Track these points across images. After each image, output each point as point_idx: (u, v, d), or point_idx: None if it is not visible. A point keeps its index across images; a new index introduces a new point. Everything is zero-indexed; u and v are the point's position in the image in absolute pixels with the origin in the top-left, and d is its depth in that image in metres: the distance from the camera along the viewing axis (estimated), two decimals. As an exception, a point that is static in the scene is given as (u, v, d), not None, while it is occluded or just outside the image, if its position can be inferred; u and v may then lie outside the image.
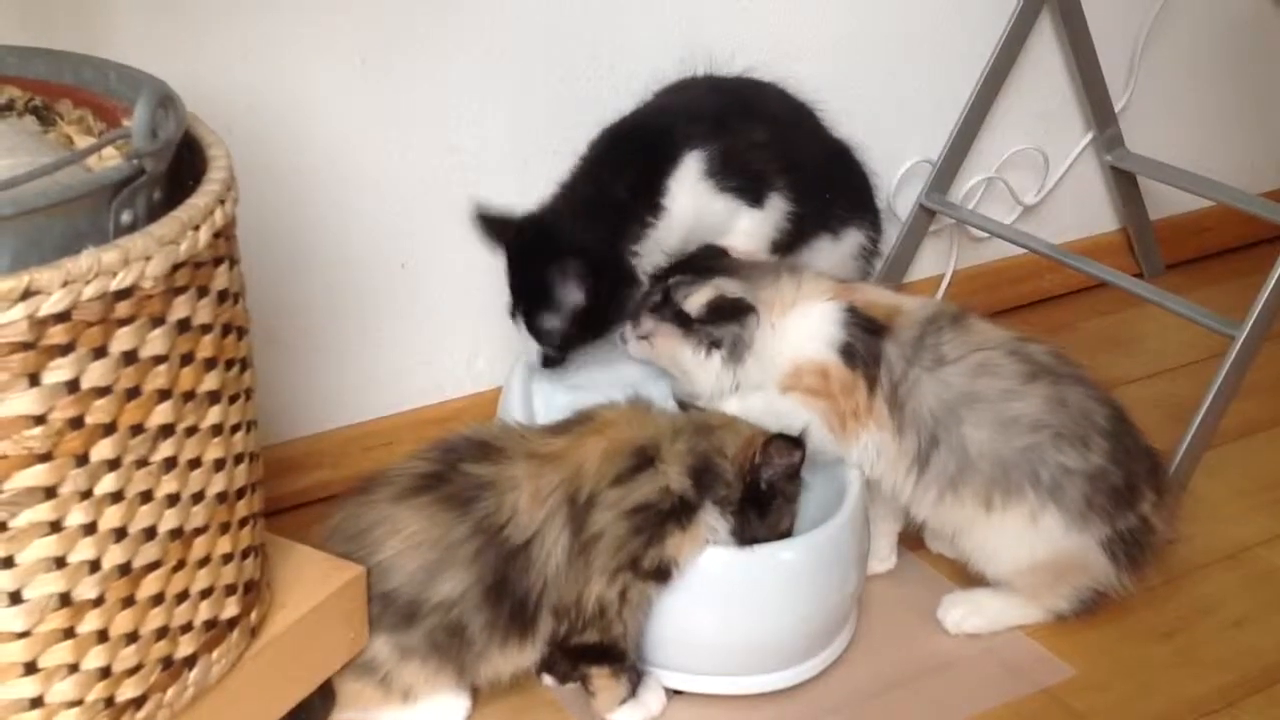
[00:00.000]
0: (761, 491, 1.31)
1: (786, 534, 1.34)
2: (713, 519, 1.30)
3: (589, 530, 1.25)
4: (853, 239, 1.64)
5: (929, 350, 1.37)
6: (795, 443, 1.30)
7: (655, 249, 1.48)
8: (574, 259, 1.43)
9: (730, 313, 1.40)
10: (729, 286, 1.42)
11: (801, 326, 1.40)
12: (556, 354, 1.50)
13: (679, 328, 1.43)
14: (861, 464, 1.40)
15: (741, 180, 1.50)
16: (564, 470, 1.26)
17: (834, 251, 1.61)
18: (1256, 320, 1.58)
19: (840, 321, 1.39)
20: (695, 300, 1.42)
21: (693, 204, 1.48)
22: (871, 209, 1.69)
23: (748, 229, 1.53)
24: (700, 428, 1.33)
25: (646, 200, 1.47)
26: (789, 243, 1.56)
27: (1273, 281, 1.58)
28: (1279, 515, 1.62)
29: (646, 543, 1.26)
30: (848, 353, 1.37)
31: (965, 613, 1.43)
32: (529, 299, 1.48)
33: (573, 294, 1.45)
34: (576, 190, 1.50)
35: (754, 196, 1.52)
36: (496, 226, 1.50)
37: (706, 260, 1.48)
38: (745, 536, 1.31)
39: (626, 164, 1.48)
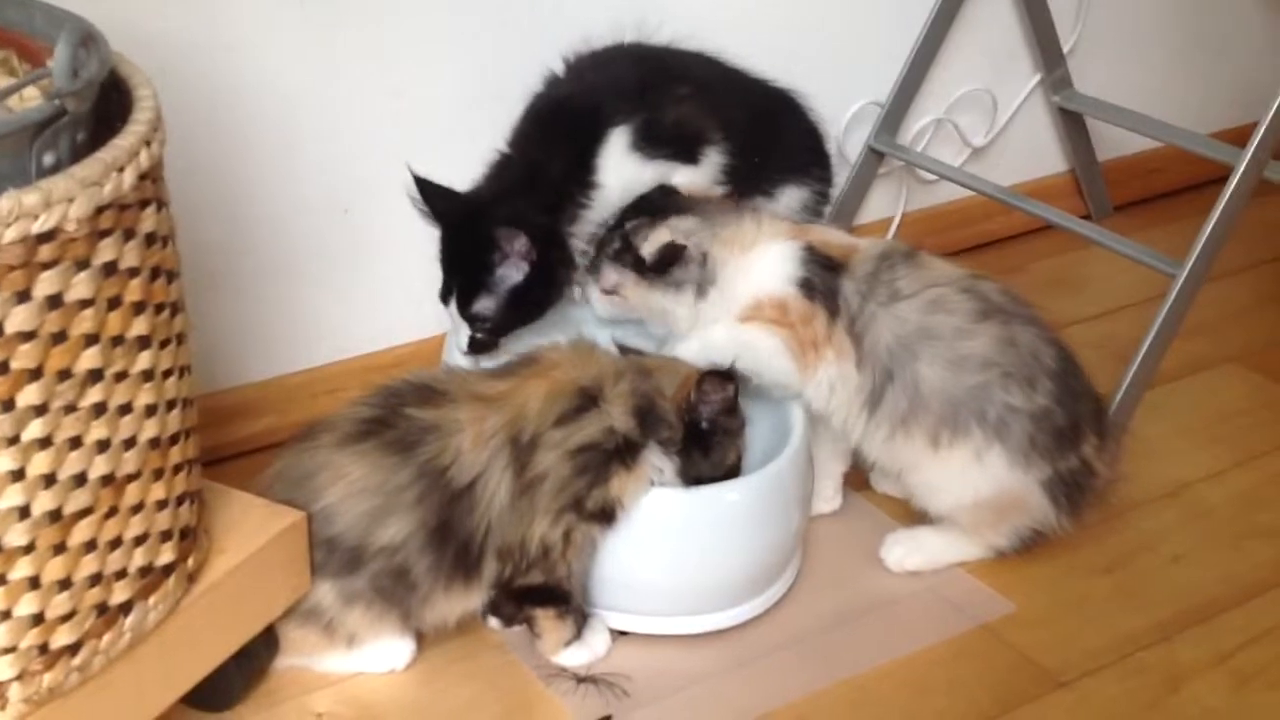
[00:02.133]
0: (703, 430, 1.31)
1: (734, 469, 1.35)
2: (657, 459, 1.30)
3: (532, 471, 1.25)
4: (794, 195, 1.63)
5: (884, 285, 1.38)
6: (727, 376, 1.30)
7: (591, 227, 1.48)
8: (517, 233, 1.42)
9: (681, 255, 1.40)
10: (684, 225, 1.41)
11: (760, 264, 1.40)
12: (488, 338, 1.47)
13: (645, 274, 1.42)
14: (816, 399, 1.40)
15: (672, 145, 1.50)
16: (507, 412, 1.26)
17: (775, 207, 1.60)
18: (1196, 260, 1.59)
19: (798, 259, 1.39)
20: (651, 244, 1.41)
21: (624, 177, 1.48)
22: (817, 163, 1.68)
23: (683, 183, 1.52)
24: (641, 370, 1.33)
25: (579, 179, 1.47)
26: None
27: (1212, 221, 1.59)
28: (1218, 453, 1.64)
29: (590, 483, 1.26)
30: (806, 286, 1.38)
31: (906, 550, 1.45)
32: (464, 278, 1.45)
33: (512, 271, 1.43)
34: (511, 170, 1.48)
35: (688, 155, 1.52)
36: (435, 199, 1.46)
37: (660, 200, 1.47)
38: (690, 475, 1.32)
39: (556, 145, 1.47)
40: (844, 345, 1.38)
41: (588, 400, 1.28)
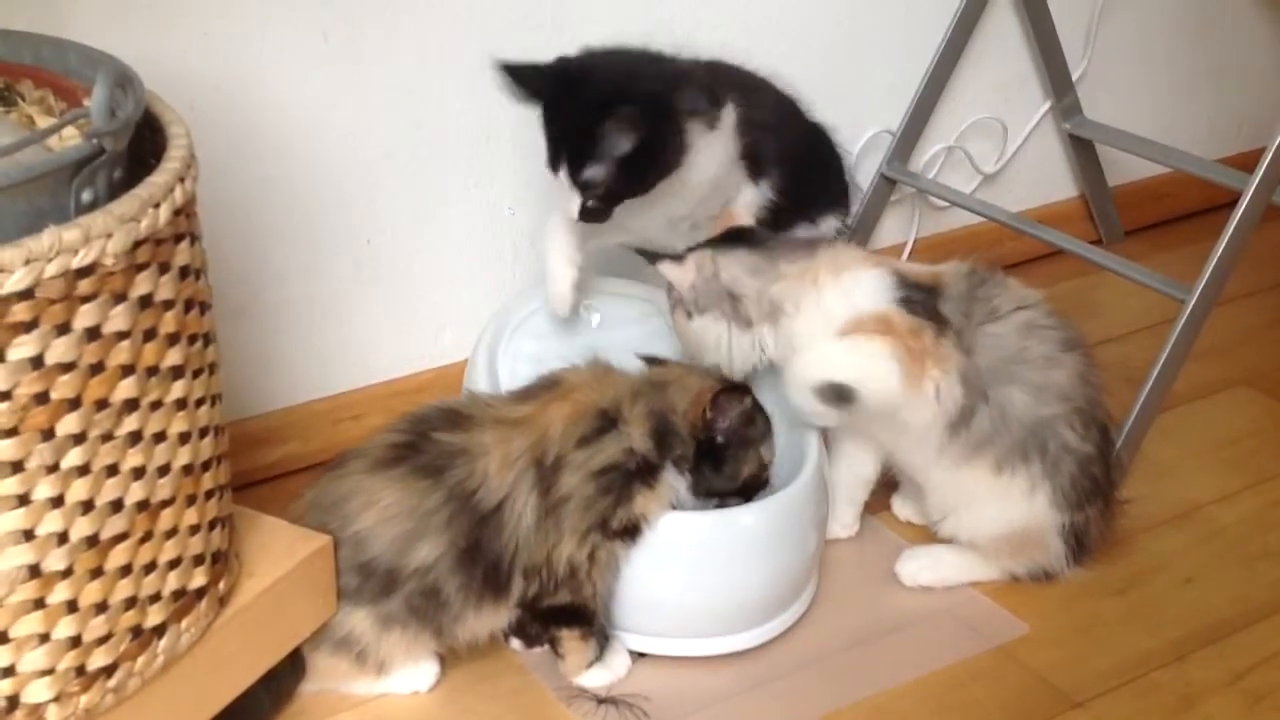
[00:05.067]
0: (716, 445, 1.32)
1: (756, 478, 1.35)
2: (672, 478, 1.32)
3: (557, 492, 1.27)
4: (830, 224, 1.65)
5: (981, 303, 1.37)
6: (742, 389, 1.32)
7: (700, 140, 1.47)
8: (625, 104, 1.41)
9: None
10: (731, 255, 1.41)
11: (855, 289, 1.38)
12: (599, 204, 1.46)
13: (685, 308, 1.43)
14: (917, 412, 1.37)
15: (751, 150, 1.52)
16: (531, 434, 1.28)
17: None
18: (1206, 284, 1.61)
19: (892, 284, 1.38)
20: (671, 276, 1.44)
21: (714, 150, 1.48)
22: (846, 193, 1.71)
23: (747, 202, 1.54)
24: (656, 384, 1.34)
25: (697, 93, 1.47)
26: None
27: (1222, 246, 1.61)
28: (1230, 475, 1.66)
29: (615, 503, 1.28)
30: (907, 303, 1.37)
31: (921, 566, 1.47)
32: (573, 145, 1.44)
33: (621, 141, 1.41)
34: (620, 54, 1.49)
35: (755, 171, 1.54)
36: (524, 76, 1.45)
37: (729, 235, 1.48)
38: (703, 490, 1.33)
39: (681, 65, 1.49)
40: (953, 356, 1.35)
41: (607, 422, 1.30)
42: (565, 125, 1.44)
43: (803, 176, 1.61)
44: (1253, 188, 1.62)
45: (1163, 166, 2.11)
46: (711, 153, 1.48)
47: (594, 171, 1.43)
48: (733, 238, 1.46)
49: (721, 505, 1.36)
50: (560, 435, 1.28)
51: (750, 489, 1.36)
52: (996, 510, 1.41)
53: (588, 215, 1.46)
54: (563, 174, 1.45)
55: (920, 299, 1.37)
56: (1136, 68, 2.19)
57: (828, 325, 1.37)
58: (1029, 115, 2.09)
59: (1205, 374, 1.81)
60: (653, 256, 1.46)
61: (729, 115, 1.50)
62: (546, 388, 1.34)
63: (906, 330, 1.35)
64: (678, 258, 1.44)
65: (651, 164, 1.45)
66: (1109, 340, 1.93)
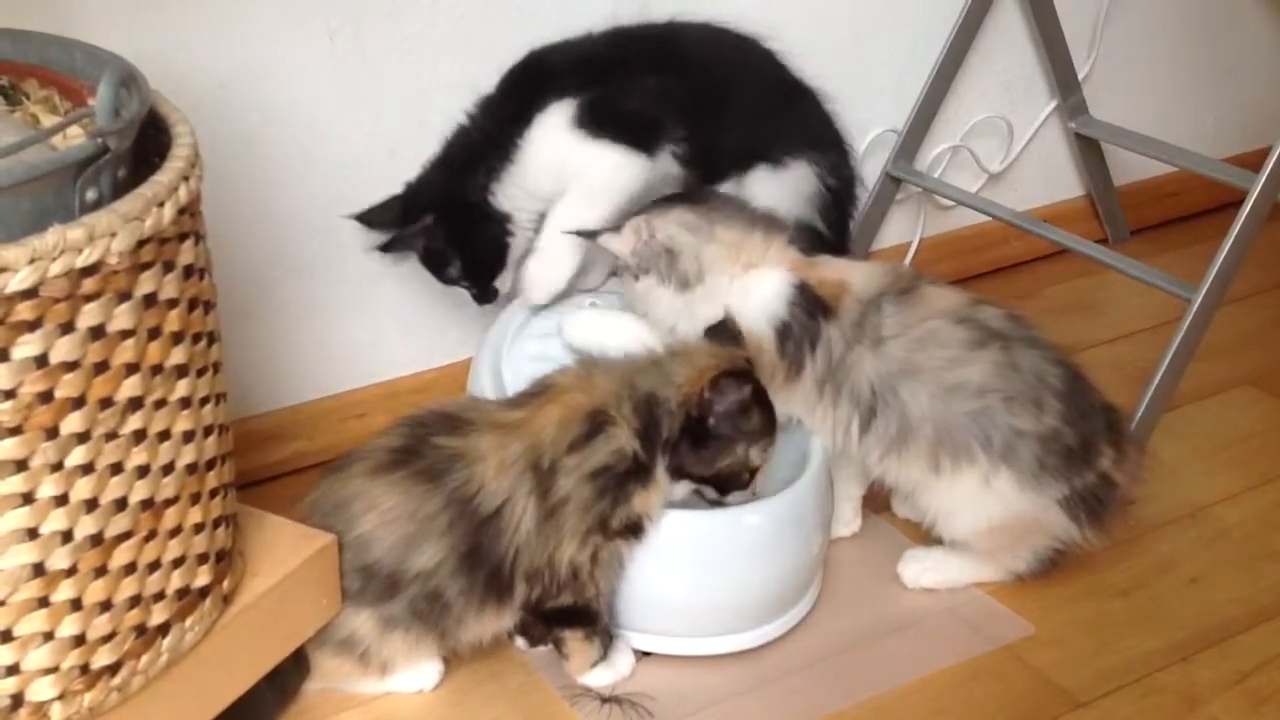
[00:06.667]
0: (704, 424, 1.30)
1: (733, 476, 1.33)
2: (662, 470, 1.31)
3: (555, 496, 1.27)
4: (803, 172, 1.63)
5: (869, 329, 1.39)
6: (747, 377, 1.31)
7: (513, 187, 1.54)
8: (426, 220, 1.54)
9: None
10: (680, 217, 1.43)
11: (754, 292, 1.41)
12: (477, 291, 1.60)
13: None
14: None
15: (623, 129, 1.51)
16: (525, 439, 1.28)
17: (776, 182, 1.61)
18: (1212, 283, 1.61)
19: (786, 298, 1.40)
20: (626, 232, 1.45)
21: (557, 150, 1.51)
22: (833, 148, 1.67)
23: (632, 175, 1.53)
24: (657, 363, 1.33)
25: (503, 145, 1.53)
26: (712, 176, 1.58)
27: (1227, 246, 1.61)
28: (1234, 475, 1.66)
29: (613, 503, 1.28)
30: (783, 333, 1.40)
31: (923, 567, 1.47)
32: (425, 262, 1.59)
33: (441, 245, 1.56)
34: (450, 142, 1.58)
35: (641, 143, 1.52)
36: (376, 220, 1.58)
37: (668, 196, 1.49)
38: (673, 466, 1.31)
39: (496, 110, 1.55)
40: (807, 395, 1.41)
41: (597, 424, 1.29)
42: (408, 247, 1.59)
43: (743, 120, 1.59)
44: (1259, 187, 1.62)
45: (1168, 166, 2.11)
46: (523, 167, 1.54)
47: (445, 277, 1.59)
48: (671, 198, 1.48)
49: (698, 494, 1.34)
50: (553, 440, 1.28)
51: (726, 484, 1.33)
52: (964, 506, 1.40)
53: (481, 300, 1.61)
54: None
55: (803, 323, 1.39)
56: (1142, 67, 2.18)
57: (712, 313, 1.41)
58: (1034, 114, 2.09)
59: (1211, 373, 1.81)
60: (591, 234, 1.47)
61: (561, 109, 1.51)
62: (539, 391, 1.34)
63: (764, 366, 1.39)
64: (615, 228, 1.45)
65: (481, 245, 1.56)
66: (1114, 339, 1.93)
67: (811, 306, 1.40)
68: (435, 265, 1.59)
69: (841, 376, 1.39)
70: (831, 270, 1.45)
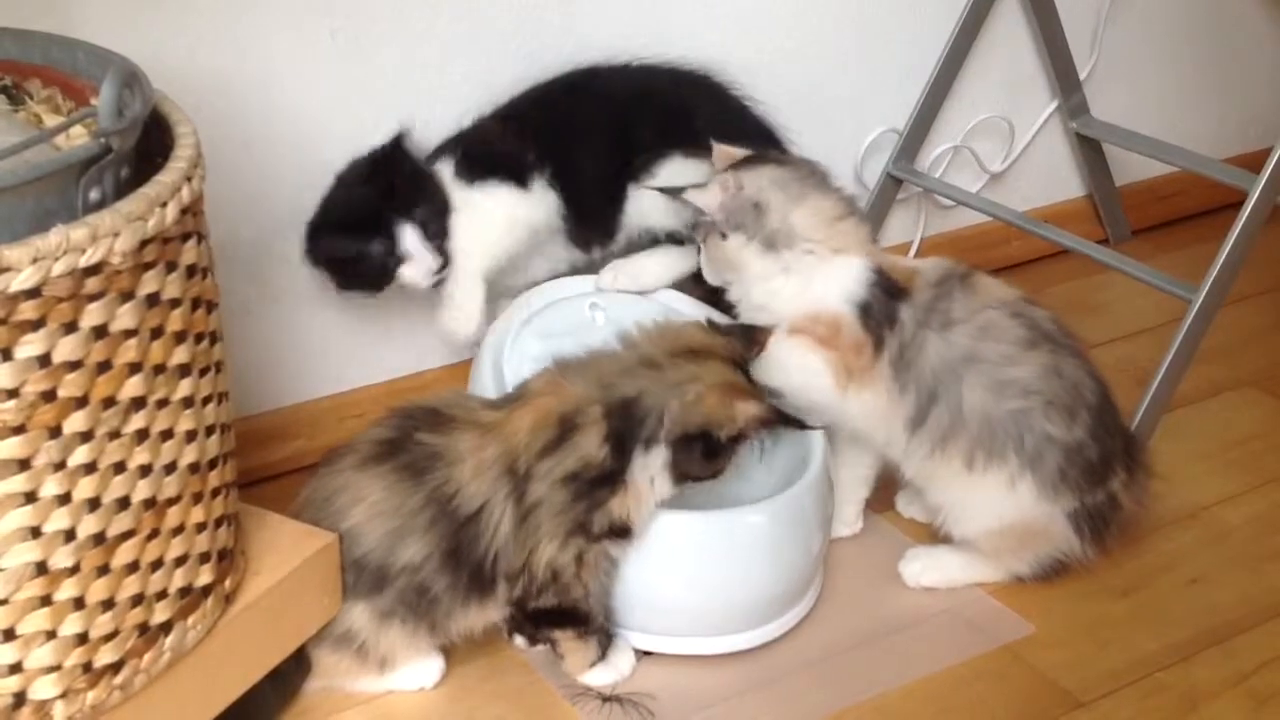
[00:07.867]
0: (723, 443, 1.30)
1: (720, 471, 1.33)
2: (641, 468, 1.28)
3: (530, 499, 1.26)
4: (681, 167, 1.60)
5: (939, 313, 1.39)
6: (758, 395, 1.30)
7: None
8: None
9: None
10: (758, 171, 1.42)
11: (833, 275, 1.40)
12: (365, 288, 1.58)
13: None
14: (852, 420, 1.43)
15: (494, 169, 1.56)
16: (501, 442, 1.27)
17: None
18: (1212, 284, 1.61)
19: (866, 281, 1.40)
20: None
21: (466, 203, 1.56)
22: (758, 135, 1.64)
23: (523, 208, 1.57)
24: (627, 371, 1.31)
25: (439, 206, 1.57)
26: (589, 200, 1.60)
27: (1228, 246, 1.61)
28: (1235, 476, 1.66)
29: (588, 509, 1.27)
30: (865, 311, 1.39)
31: (924, 566, 1.47)
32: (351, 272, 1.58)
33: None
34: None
35: (515, 177, 1.56)
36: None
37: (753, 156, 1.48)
38: (677, 471, 1.30)
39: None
40: (884, 378, 1.39)
41: (567, 430, 1.28)
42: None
43: (614, 146, 1.59)
44: (1260, 188, 1.62)
45: (1170, 166, 2.11)
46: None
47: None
48: (759, 155, 1.47)
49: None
50: (526, 444, 1.27)
51: (717, 475, 1.34)
52: (982, 506, 1.41)
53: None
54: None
55: (883, 303, 1.39)
56: (1143, 67, 2.18)
57: (790, 307, 1.40)
58: (1036, 114, 2.09)
59: (1212, 374, 1.81)
60: (676, 191, 1.46)
61: (444, 169, 1.57)
62: (517, 394, 1.33)
63: (849, 345, 1.38)
64: (700, 185, 1.44)
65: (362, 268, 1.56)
66: (1115, 340, 1.93)
67: (890, 287, 1.40)
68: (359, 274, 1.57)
69: (910, 357, 1.38)
70: (898, 260, 1.45)
